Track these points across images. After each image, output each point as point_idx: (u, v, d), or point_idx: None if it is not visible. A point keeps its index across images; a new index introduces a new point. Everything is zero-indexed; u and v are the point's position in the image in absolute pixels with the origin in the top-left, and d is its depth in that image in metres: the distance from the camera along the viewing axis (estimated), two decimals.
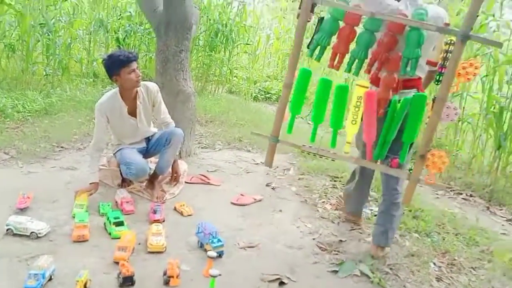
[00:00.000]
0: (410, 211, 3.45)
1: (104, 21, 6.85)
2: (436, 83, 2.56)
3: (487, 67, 4.49)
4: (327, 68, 3.05)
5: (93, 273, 2.26)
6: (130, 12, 7.16)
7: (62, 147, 4.16)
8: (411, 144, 2.59)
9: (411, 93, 2.48)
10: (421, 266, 2.73)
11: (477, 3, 2.23)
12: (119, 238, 2.55)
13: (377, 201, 3.67)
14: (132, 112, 3.26)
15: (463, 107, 4.61)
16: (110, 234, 2.69)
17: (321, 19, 2.59)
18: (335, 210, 3.44)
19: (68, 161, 3.84)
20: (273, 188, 3.80)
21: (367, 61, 2.56)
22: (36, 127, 4.50)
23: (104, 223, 2.79)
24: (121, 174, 3.39)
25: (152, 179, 3.38)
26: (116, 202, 3.12)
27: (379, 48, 2.49)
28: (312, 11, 2.47)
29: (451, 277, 2.67)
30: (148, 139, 3.49)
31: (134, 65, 3.08)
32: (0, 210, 2.83)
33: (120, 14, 7.19)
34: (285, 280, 2.43)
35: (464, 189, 4.29)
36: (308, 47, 2.64)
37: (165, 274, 2.28)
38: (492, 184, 4.19)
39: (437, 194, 4.19)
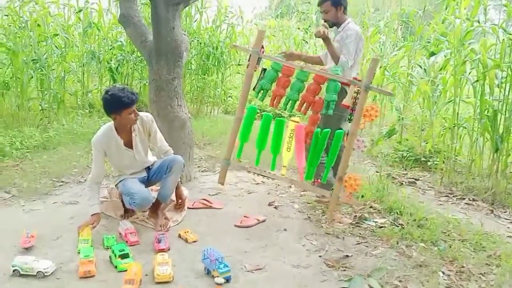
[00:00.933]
0: (415, 220, 3.45)
1: (96, 53, 6.93)
2: (349, 121, 3.41)
3: (477, 72, 4.54)
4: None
5: None
6: (121, 41, 7.25)
7: (62, 181, 4.16)
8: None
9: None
10: (430, 276, 2.72)
11: (375, 64, 3.30)
12: (125, 270, 2.54)
13: (380, 213, 3.68)
14: (128, 144, 3.28)
15: (457, 112, 4.65)
16: (116, 267, 2.67)
17: (264, 70, 3.58)
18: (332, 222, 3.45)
19: (70, 195, 3.84)
20: (275, 207, 3.80)
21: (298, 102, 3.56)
22: (35, 163, 4.51)
23: (110, 257, 2.77)
24: (123, 204, 3.39)
25: (155, 207, 3.38)
26: (120, 234, 3.11)
27: (307, 93, 3.46)
28: (258, 63, 3.53)
29: (461, 285, 2.65)
30: (148, 168, 3.50)
31: (135, 106, 3.11)
32: (4, 250, 2.82)
33: (112, 44, 7.27)
34: None
35: (466, 193, 4.30)
36: (254, 89, 3.61)
37: None
38: (493, 187, 4.20)
39: (440, 201, 4.19)
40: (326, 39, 3.54)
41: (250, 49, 3.64)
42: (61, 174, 4.29)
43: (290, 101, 3.55)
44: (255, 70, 3.52)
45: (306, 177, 3.61)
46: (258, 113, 3.91)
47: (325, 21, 3.66)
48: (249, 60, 3.53)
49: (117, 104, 3.05)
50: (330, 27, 3.68)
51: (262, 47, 3.57)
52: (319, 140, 3.50)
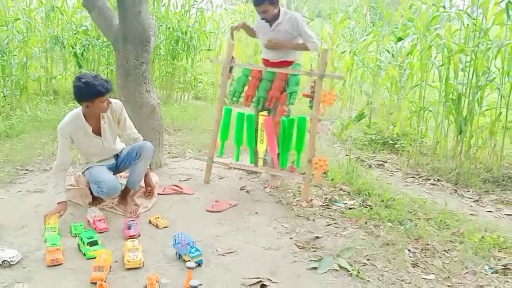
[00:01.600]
0: (382, 201, 3.54)
1: (59, 37, 6.70)
2: (309, 107, 3.67)
3: (442, 56, 4.64)
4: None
5: None
6: (86, 26, 7.03)
7: (27, 169, 4.04)
8: None
9: None
10: (397, 254, 2.80)
11: (325, 54, 3.63)
12: (94, 258, 2.49)
13: (350, 195, 3.74)
14: (97, 131, 3.19)
15: (423, 96, 4.76)
16: (85, 254, 2.62)
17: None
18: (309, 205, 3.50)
19: (35, 183, 3.73)
20: (247, 191, 3.81)
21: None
22: None
23: (78, 244, 2.72)
24: (91, 192, 3.32)
25: (124, 194, 3.33)
26: (88, 221, 3.05)
27: (274, 89, 3.83)
28: (230, 72, 3.96)
29: (425, 261, 2.74)
30: (117, 155, 3.44)
31: (108, 94, 3.03)
32: None
33: (76, 29, 7.04)
34: (266, 282, 2.44)
35: (431, 174, 4.43)
36: (229, 93, 4.08)
37: None
38: (457, 168, 4.34)
39: (407, 182, 4.31)
40: (280, 46, 3.79)
41: (222, 61, 4.02)
42: (25, 162, 4.16)
43: (260, 98, 3.90)
44: (228, 78, 3.98)
45: (281, 165, 3.85)
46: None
47: (264, 19, 3.79)
48: (222, 70, 3.99)
49: (91, 92, 2.95)
50: (268, 22, 3.80)
51: (233, 57, 3.96)
52: (286, 128, 3.76)
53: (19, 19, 6.18)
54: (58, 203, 3.03)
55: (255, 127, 3.93)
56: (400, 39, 5.30)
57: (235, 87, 4.04)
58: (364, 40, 7.04)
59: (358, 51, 6.85)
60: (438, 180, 4.30)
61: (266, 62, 3.93)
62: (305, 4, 8.61)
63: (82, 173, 3.36)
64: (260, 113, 3.93)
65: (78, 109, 3.12)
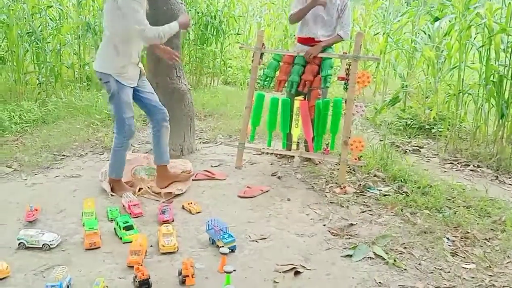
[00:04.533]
0: (419, 187, 3.43)
1: (91, 24, 6.76)
2: (345, 89, 3.73)
3: (482, 37, 4.42)
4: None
5: (109, 280, 2.25)
6: None
7: (63, 155, 4.13)
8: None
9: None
10: (435, 242, 2.72)
11: (359, 38, 3.68)
12: (130, 242, 2.54)
13: (384, 181, 3.66)
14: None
15: (462, 79, 4.56)
16: (121, 239, 2.67)
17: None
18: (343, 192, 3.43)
19: (71, 168, 3.82)
20: (279, 178, 3.78)
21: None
22: (36, 137, 4.48)
23: (114, 228, 2.77)
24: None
25: (161, 173, 3.38)
26: (124, 206, 3.10)
27: (307, 73, 3.81)
28: (261, 58, 3.98)
29: (465, 250, 2.65)
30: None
31: None
32: (9, 224, 2.82)
33: None
34: (300, 269, 2.42)
35: (471, 160, 4.27)
36: (261, 79, 4.09)
37: (180, 274, 2.26)
38: (498, 153, 4.16)
39: (444, 168, 4.17)
40: (320, 49, 3.77)
41: (253, 47, 4.08)
42: (61, 148, 4.26)
43: (293, 83, 3.88)
44: (259, 63, 4.02)
45: (316, 148, 3.86)
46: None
47: None
48: (253, 56, 4.03)
49: None
50: None
51: (263, 44, 3.98)
52: (321, 111, 3.74)
53: (51, 6, 6.26)
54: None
55: (290, 112, 3.90)
56: (437, 19, 5.08)
57: (266, 73, 4.06)
58: (399, 21, 6.80)
59: (392, 32, 6.62)
60: (478, 166, 4.14)
61: (312, 41, 3.83)
62: None
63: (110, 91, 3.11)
64: (296, 97, 3.90)
65: None
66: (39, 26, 5.93)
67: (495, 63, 4.27)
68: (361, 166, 3.82)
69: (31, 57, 6.08)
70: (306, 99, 3.87)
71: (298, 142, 4.02)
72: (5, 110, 4.92)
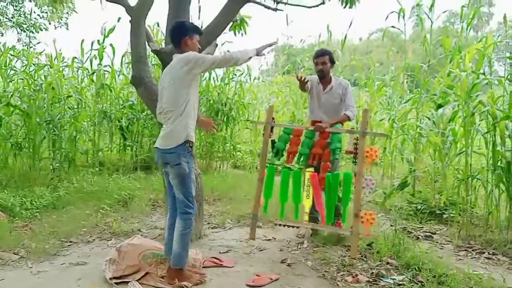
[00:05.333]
0: (434, 277, 3.30)
1: (107, 112, 7.08)
2: (354, 163, 3.95)
3: (486, 123, 4.53)
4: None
5: None
6: (132, 101, 7.43)
7: (71, 241, 4.10)
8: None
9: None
10: None
11: (366, 114, 4.00)
12: None
13: (398, 269, 3.53)
14: None
15: (470, 164, 4.59)
16: None
17: (273, 141, 4.28)
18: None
19: (78, 255, 3.77)
20: (288, 265, 3.68)
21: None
22: (45, 223, 4.48)
23: None
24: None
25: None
26: None
27: (316, 147, 4.04)
28: (271, 131, 4.27)
29: None
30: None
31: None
32: None
33: (123, 104, 7.45)
34: None
35: (485, 247, 4.15)
36: (272, 152, 4.28)
37: None
38: None
39: (459, 255, 4.04)
40: (329, 125, 4.05)
41: (264, 122, 4.37)
42: (69, 234, 4.24)
43: (302, 155, 4.11)
44: (270, 136, 4.25)
45: (327, 220, 3.97)
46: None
47: (319, 71, 4.26)
48: (263, 130, 4.32)
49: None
50: (320, 77, 4.30)
51: (273, 118, 4.32)
52: (331, 183, 3.92)
53: (71, 96, 6.62)
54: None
55: (301, 183, 4.07)
56: (440, 106, 5.26)
57: (277, 145, 4.24)
58: (403, 107, 7.03)
59: (397, 118, 6.82)
60: (493, 254, 4.01)
61: (316, 122, 4.15)
62: (340, 74, 8.80)
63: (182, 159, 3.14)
64: (307, 169, 4.12)
65: None
66: (57, 115, 6.22)
67: (501, 149, 4.32)
68: (373, 253, 3.73)
69: (47, 144, 6.30)
70: (316, 171, 4.04)
71: (311, 215, 4.17)
72: (17, 196, 4.99)
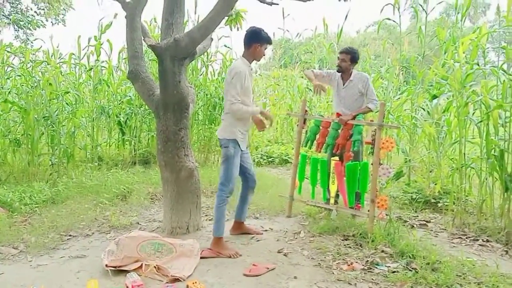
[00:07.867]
0: (428, 264, 3.36)
1: (105, 108, 7.11)
2: (371, 153, 4.35)
3: (480, 112, 4.57)
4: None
5: None
6: (129, 96, 7.46)
7: (70, 235, 4.15)
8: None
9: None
10: None
11: (383, 107, 4.28)
12: None
13: (392, 257, 3.59)
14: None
15: (464, 153, 4.64)
16: None
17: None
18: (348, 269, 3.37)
19: (77, 249, 3.82)
20: (285, 255, 3.73)
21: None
22: (44, 217, 4.53)
23: None
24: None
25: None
26: (127, 286, 3.06)
27: (341, 138, 4.48)
28: (304, 123, 4.82)
29: None
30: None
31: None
32: None
33: (121, 99, 7.48)
34: None
35: (479, 234, 4.20)
36: (303, 142, 4.81)
37: None
38: (506, 227, 4.11)
39: (453, 243, 4.10)
40: (350, 117, 4.45)
41: (299, 114, 4.87)
42: (68, 228, 4.29)
43: (328, 145, 4.57)
44: (303, 128, 4.83)
45: (349, 204, 4.43)
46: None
47: (338, 66, 4.66)
48: (298, 121, 4.88)
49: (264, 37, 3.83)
50: (339, 71, 4.70)
51: (306, 111, 4.80)
52: (351, 172, 4.33)
53: (68, 92, 6.65)
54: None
55: (327, 170, 4.57)
56: (435, 96, 5.29)
57: (308, 136, 4.74)
58: (398, 98, 7.06)
59: (393, 109, 6.85)
60: (487, 241, 4.06)
61: (339, 115, 4.56)
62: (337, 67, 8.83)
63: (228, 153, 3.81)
64: (332, 158, 4.55)
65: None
66: (55, 111, 6.25)
67: (494, 138, 4.36)
68: (368, 242, 3.79)
69: (46, 140, 6.33)
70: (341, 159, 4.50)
71: (335, 198, 4.64)
72: (16, 191, 5.04)
